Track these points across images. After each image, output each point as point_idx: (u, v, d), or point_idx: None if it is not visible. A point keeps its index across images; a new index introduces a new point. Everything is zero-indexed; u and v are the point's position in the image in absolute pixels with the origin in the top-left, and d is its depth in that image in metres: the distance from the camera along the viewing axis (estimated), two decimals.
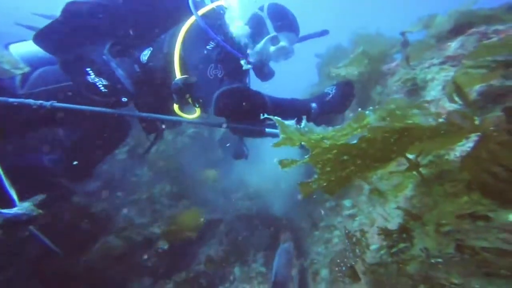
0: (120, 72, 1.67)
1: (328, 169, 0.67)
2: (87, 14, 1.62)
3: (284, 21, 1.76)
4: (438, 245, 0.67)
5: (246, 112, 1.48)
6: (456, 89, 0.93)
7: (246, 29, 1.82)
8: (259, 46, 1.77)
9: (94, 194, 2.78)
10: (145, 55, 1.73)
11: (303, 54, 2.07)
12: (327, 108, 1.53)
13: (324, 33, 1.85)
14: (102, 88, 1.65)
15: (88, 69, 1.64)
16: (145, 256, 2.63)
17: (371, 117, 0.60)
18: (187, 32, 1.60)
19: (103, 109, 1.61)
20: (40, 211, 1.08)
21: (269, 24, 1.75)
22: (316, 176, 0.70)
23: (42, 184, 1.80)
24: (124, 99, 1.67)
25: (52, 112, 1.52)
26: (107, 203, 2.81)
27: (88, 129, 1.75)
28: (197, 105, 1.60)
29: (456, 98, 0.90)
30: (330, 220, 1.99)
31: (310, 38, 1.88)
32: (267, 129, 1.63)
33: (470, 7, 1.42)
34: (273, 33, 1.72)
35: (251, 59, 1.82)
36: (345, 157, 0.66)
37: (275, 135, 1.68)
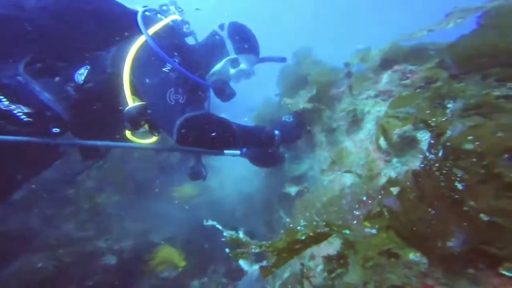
0: (46, 96, 1.40)
1: (285, 255, 0.77)
2: None
3: (245, 43, 1.75)
4: (365, 278, 0.82)
5: (213, 141, 1.42)
6: (383, 132, 1.12)
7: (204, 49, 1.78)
8: (218, 67, 1.74)
9: (16, 204, 2.31)
10: (81, 74, 1.49)
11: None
12: (287, 136, 1.66)
13: (282, 60, 1.94)
14: (23, 116, 1.35)
15: None
16: (86, 274, 2.39)
17: (303, 232, 0.72)
18: (138, 52, 1.42)
19: (20, 138, 1.32)
20: None
21: (229, 44, 1.71)
22: (273, 260, 0.79)
23: None
24: (56, 130, 1.41)
25: None
26: (34, 216, 2.41)
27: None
28: (156, 134, 1.50)
29: (382, 142, 1.09)
30: None
31: (270, 61, 1.94)
32: (225, 150, 1.66)
33: (396, 44, 1.65)
34: (233, 55, 1.71)
35: (210, 81, 1.80)
36: (298, 246, 0.76)
37: (234, 155, 1.74)
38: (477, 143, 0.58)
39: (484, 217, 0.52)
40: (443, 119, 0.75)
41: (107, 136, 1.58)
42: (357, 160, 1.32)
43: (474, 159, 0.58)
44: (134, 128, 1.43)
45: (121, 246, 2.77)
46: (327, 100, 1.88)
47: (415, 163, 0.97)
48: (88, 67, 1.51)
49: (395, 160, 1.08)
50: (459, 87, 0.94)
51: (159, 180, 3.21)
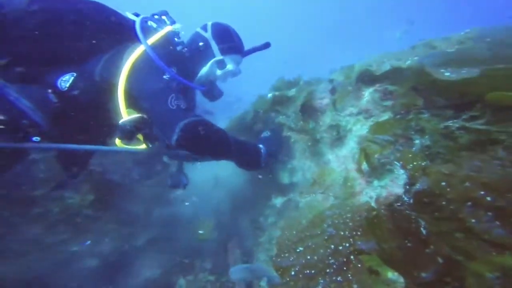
0: (24, 103, 1.34)
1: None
2: None
3: (229, 43, 1.79)
4: None
5: (210, 149, 1.48)
6: (365, 157, 1.24)
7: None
8: (205, 69, 1.77)
9: None
10: (66, 81, 1.44)
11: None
12: (271, 150, 1.76)
13: (266, 45, 1.94)
14: None
15: None
16: (65, 280, 2.34)
17: None
18: (136, 62, 1.42)
19: None
20: None
21: (213, 45, 1.74)
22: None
23: None
24: (36, 139, 1.36)
25: None
26: None
27: None
28: (150, 145, 1.49)
29: (364, 165, 1.21)
30: (272, 231, 2.27)
31: (254, 51, 1.96)
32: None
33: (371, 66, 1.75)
34: (219, 56, 1.74)
35: (197, 83, 1.80)
36: None
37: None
38: (448, 189, 0.71)
39: (439, 259, 0.65)
40: (417, 166, 0.87)
41: (91, 144, 1.52)
42: (338, 178, 1.44)
43: (444, 203, 0.70)
44: (128, 140, 1.43)
45: (101, 248, 2.71)
46: (310, 110, 1.98)
47: (394, 188, 1.11)
48: (75, 73, 1.46)
49: (375, 182, 1.21)
50: (425, 120, 1.07)
51: (135, 173, 3.12)
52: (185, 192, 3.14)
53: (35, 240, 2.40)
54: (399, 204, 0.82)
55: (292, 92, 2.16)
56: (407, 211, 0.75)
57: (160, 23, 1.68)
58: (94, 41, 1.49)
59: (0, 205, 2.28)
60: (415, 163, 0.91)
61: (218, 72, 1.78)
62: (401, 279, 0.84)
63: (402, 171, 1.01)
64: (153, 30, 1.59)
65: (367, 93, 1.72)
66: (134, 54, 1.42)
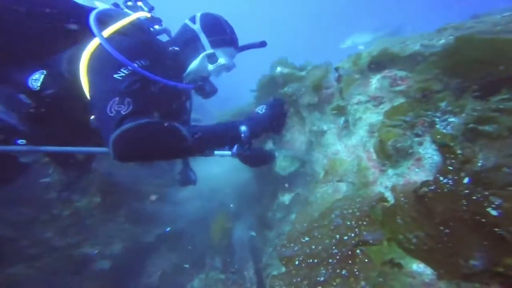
0: None
1: None
2: None
3: (220, 35, 1.63)
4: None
5: (160, 152, 1.29)
6: (380, 145, 1.18)
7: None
8: (194, 64, 1.63)
9: None
10: (36, 80, 1.33)
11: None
12: (259, 129, 1.51)
13: (262, 44, 1.81)
14: None
15: None
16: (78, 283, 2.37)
17: None
18: (92, 55, 1.27)
19: None
20: None
21: (203, 38, 1.60)
22: None
23: None
24: (22, 141, 1.32)
25: None
26: (3, 223, 2.26)
27: None
28: None
29: (380, 153, 1.15)
30: (281, 227, 2.23)
31: (249, 48, 1.82)
32: (215, 151, 1.55)
33: (386, 50, 1.69)
34: (209, 49, 1.60)
35: (187, 79, 1.68)
36: None
37: (224, 155, 1.69)
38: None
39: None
40: (467, 148, 0.80)
41: (79, 145, 1.44)
42: (350, 167, 1.39)
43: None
44: None
45: (111, 250, 2.72)
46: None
47: (412, 176, 1.05)
48: (44, 71, 1.36)
49: (390, 171, 1.15)
50: (460, 101, 1.01)
51: (140, 174, 3.11)
52: (194, 188, 3.12)
53: (47, 243, 2.40)
54: (432, 187, 0.76)
55: (302, 73, 2.08)
56: (463, 191, 0.68)
57: (135, 10, 1.56)
58: (55, 34, 1.39)
59: (12, 209, 2.28)
60: (452, 143, 0.84)
61: (210, 66, 1.64)
62: (428, 271, 0.78)
63: (427, 150, 0.94)
64: (122, 18, 1.43)
65: (375, 80, 1.66)
66: (90, 46, 1.28)
